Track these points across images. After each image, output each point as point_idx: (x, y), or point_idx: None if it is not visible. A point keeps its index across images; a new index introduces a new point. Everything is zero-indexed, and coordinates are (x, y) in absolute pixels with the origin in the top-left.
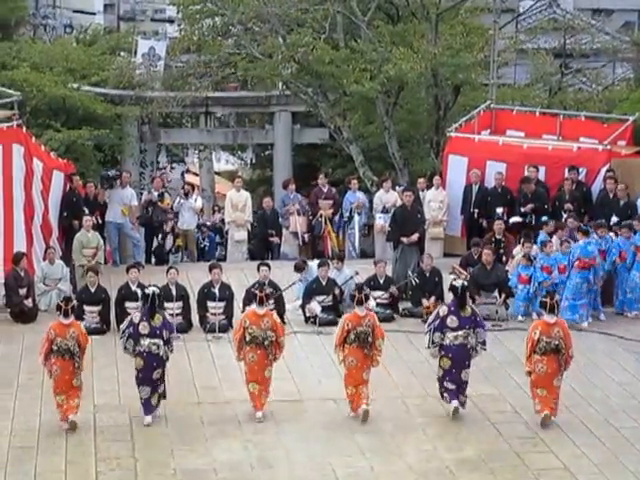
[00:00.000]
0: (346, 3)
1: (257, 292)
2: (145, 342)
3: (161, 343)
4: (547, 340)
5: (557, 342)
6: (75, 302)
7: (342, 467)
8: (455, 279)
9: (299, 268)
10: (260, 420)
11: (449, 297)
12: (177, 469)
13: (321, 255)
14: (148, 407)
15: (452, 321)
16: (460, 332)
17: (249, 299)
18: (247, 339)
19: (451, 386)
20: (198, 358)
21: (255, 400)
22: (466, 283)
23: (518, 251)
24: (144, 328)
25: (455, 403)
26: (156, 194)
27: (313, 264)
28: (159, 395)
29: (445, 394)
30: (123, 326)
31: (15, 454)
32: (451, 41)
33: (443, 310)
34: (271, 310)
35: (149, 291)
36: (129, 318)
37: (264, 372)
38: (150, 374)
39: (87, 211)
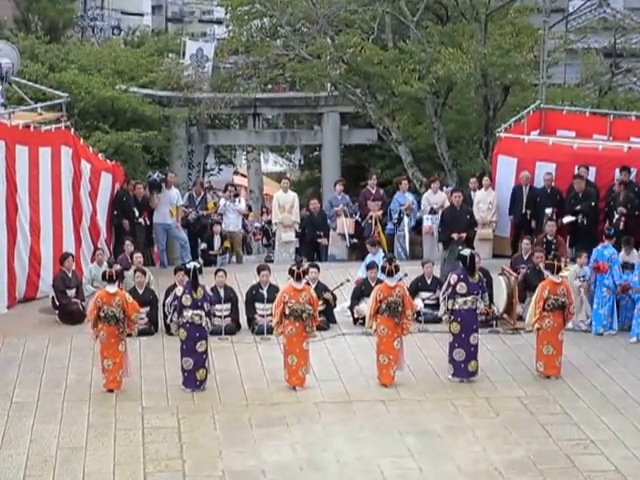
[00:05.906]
0: (395, 4)
1: (294, 268)
2: (188, 313)
3: (203, 314)
4: (555, 298)
5: (563, 299)
6: (118, 266)
7: (391, 469)
8: (463, 249)
9: (373, 244)
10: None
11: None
12: (225, 470)
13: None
14: (191, 380)
15: (461, 287)
16: (469, 297)
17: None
18: (287, 312)
19: (459, 355)
20: (246, 360)
21: (292, 375)
22: (473, 252)
23: (575, 271)
24: (187, 300)
25: (455, 380)
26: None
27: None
28: (205, 371)
29: (450, 365)
30: (169, 301)
31: (63, 455)
32: (500, 41)
33: (453, 278)
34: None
35: (190, 266)
36: (173, 292)
37: (302, 344)
38: (194, 344)
39: (137, 212)
